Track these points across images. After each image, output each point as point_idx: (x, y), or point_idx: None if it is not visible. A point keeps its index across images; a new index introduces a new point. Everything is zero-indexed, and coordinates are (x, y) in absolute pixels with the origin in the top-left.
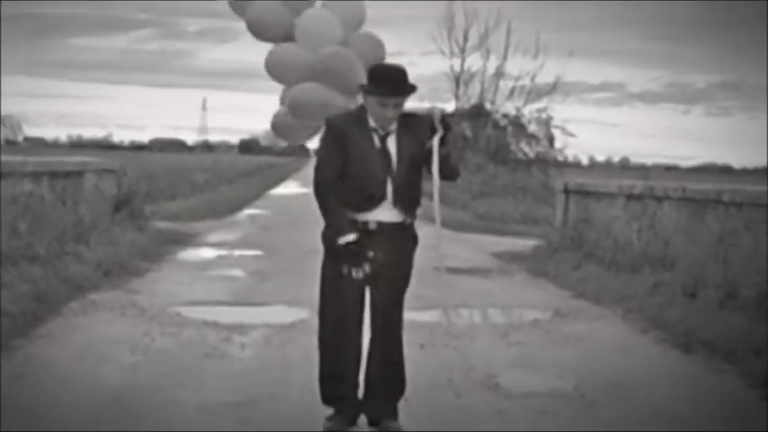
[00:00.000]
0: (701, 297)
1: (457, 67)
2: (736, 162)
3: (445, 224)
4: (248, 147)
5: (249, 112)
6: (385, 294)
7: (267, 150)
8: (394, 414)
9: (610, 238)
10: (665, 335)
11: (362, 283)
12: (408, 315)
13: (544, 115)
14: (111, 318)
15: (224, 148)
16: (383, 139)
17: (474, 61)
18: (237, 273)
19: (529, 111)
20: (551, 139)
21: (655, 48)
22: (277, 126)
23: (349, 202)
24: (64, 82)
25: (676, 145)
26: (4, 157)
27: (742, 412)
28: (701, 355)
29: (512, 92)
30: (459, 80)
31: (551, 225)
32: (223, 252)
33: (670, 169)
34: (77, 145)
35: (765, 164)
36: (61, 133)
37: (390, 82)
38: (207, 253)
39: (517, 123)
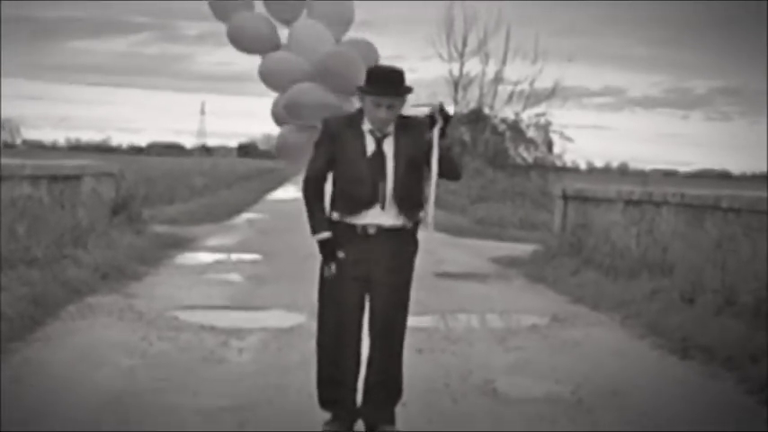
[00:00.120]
0: (699, 303)
1: (456, 72)
2: (736, 168)
3: (443, 229)
4: (247, 150)
5: (248, 116)
6: (384, 300)
7: (266, 154)
8: (391, 419)
9: (608, 244)
10: (663, 341)
11: (361, 288)
12: None
13: (543, 120)
14: (109, 321)
15: (222, 151)
16: (379, 142)
17: (473, 66)
18: (235, 277)
19: (527, 116)
20: (550, 145)
21: (654, 53)
22: (282, 148)
23: (342, 204)
24: (62, 85)
25: (675, 150)
26: (3, 160)
27: (739, 418)
28: (699, 361)
29: (510, 97)
30: (457, 85)
31: (550, 230)
32: (221, 256)
33: (669, 175)
34: (76, 148)
35: (764, 170)
36: (59, 136)
37: (385, 82)
38: (205, 257)
39: (516, 128)
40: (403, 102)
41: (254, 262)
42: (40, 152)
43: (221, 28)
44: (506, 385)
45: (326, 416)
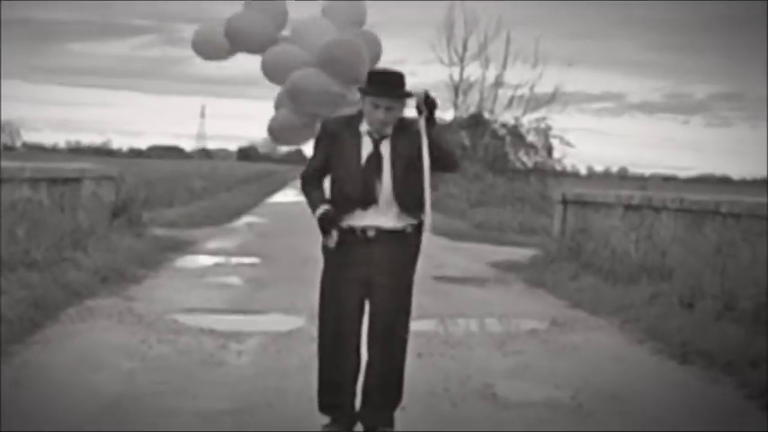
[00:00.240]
0: (698, 308)
1: (456, 76)
2: (735, 173)
3: (443, 233)
4: (247, 154)
5: (248, 120)
6: (384, 304)
7: (265, 158)
8: (390, 422)
9: (607, 249)
10: (662, 345)
11: (362, 292)
12: None
13: (543, 125)
14: (109, 324)
15: (222, 155)
16: (377, 143)
17: (473, 70)
18: (235, 280)
19: (527, 120)
20: (550, 149)
21: (655, 58)
22: (274, 129)
23: (337, 203)
24: (63, 88)
25: (675, 155)
26: (3, 163)
27: (739, 423)
28: (698, 366)
29: (510, 101)
30: (457, 89)
31: (549, 235)
32: (220, 259)
33: (668, 180)
34: (76, 151)
35: (764, 175)
36: (60, 139)
37: (384, 83)
38: (204, 260)
39: (516, 133)
40: (403, 105)
41: (253, 265)
42: (41, 155)
43: (197, 28)
44: (506, 390)
45: (325, 419)
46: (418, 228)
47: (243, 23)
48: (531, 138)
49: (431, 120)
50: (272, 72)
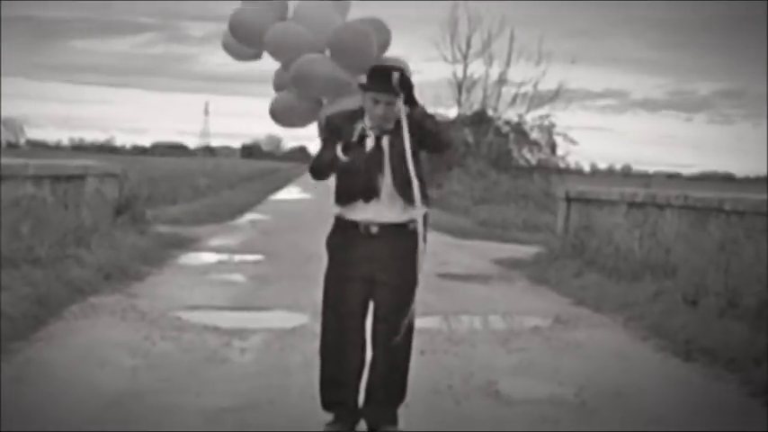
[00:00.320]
0: (702, 305)
1: (459, 74)
2: (739, 170)
3: (446, 230)
4: (250, 151)
5: (251, 117)
6: (388, 301)
7: (269, 155)
8: (393, 420)
9: (611, 246)
10: (666, 342)
11: (365, 289)
12: None
13: (546, 122)
14: (112, 321)
15: (226, 152)
16: (378, 138)
17: (477, 68)
18: (238, 277)
19: (531, 118)
20: (553, 147)
21: (658, 55)
22: (276, 111)
23: (341, 196)
24: (66, 85)
25: (678, 153)
26: (7, 160)
27: (742, 421)
28: (702, 363)
29: (514, 99)
30: (461, 87)
31: (553, 232)
32: (224, 257)
33: (672, 177)
34: (79, 148)
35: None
36: (63, 136)
37: (383, 78)
38: (208, 257)
39: (519, 130)
40: (401, 99)
41: (256, 262)
42: (44, 152)
43: (226, 29)
44: (509, 387)
45: (329, 417)
46: (424, 222)
47: (245, 15)
48: (534, 135)
49: (411, 101)
50: (276, 48)
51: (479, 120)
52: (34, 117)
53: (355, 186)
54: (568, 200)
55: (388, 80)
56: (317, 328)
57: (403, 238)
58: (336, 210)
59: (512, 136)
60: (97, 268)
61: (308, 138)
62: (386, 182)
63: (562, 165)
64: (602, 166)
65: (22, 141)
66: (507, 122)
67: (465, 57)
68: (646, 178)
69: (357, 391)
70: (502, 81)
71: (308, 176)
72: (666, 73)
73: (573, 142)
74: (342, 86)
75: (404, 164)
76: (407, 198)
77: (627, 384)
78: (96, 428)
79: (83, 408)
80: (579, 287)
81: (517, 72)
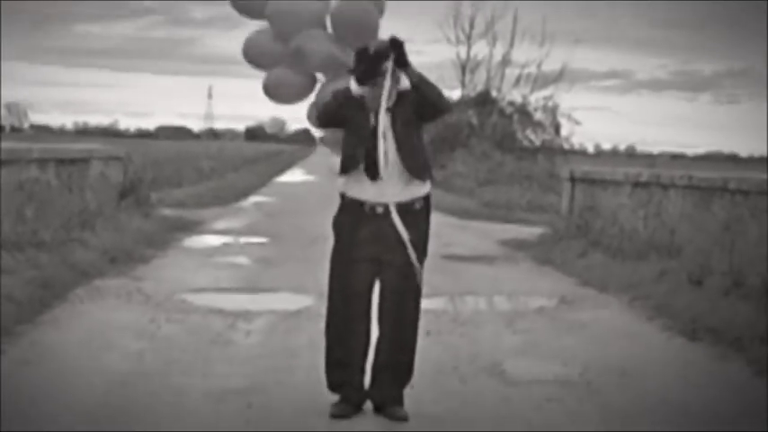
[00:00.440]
0: (707, 285)
1: (463, 55)
2: (743, 150)
3: (451, 212)
4: (254, 134)
5: (255, 100)
6: (394, 282)
7: (273, 138)
8: (399, 400)
9: (616, 226)
10: (671, 322)
11: (371, 270)
12: None
13: (550, 103)
14: (117, 304)
15: (230, 135)
16: (377, 115)
17: (480, 49)
18: (243, 260)
19: (535, 98)
20: (557, 127)
21: (662, 35)
22: (270, 86)
23: (347, 174)
24: (70, 69)
25: (683, 133)
26: (11, 144)
27: (747, 399)
28: (707, 343)
29: (518, 79)
30: (465, 68)
31: (557, 213)
32: (229, 239)
33: (676, 157)
34: (83, 132)
35: None
36: (67, 120)
37: (364, 65)
38: (212, 240)
39: (523, 111)
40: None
41: (261, 244)
42: (48, 136)
43: (230, 11)
44: (514, 367)
45: (334, 398)
46: (427, 205)
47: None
48: (538, 116)
49: (403, 61)
50: (277, 19)
51: (483, 101)
52: (38, 101)
53: (359, 165)
54: (573, 180)
55: (367, 66)
56: (323, 309)
57: (409, 217)
58: (342, 187)
59: (516, 117)
60: (102, 251)
61: None
62: (390, 157)
63: (566, 145)
64: (606, 146)
65: (26, 125)
66: (511, 103)
67: (468, 38)
68: (650, 159)
69: (363, 372)
70: (505, 62)
71: (312, 159)
72: (671, 53)
73: (577, 123)
74: (340, 64)
75: (408, 137)
76: (411, 169)
77: (632, 364)
78: (102, 411)
79: (88, 390)
80: (584, 267)
81: (521, 53)
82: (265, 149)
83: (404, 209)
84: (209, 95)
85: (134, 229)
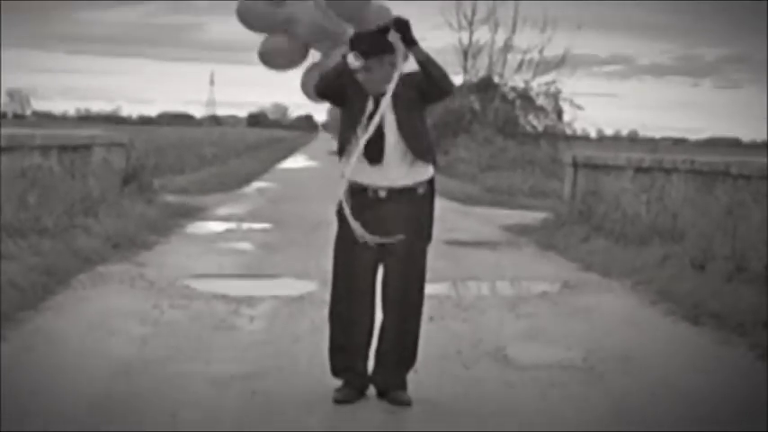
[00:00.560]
0: (709, 269)
1: (465, 40)
2: (745, 135)
3: (454, 197)
4: (256, 120)
5: (257, 86)
6: (397, 267)
7: (275, 124)
8: (403, 385)
9: (618, 211)
10: (674, 307)
11: (375, 255)
12: None
13: (552, 88)
14: (121, 290)
15: (232, 121)
16: (377, 100)
17: (482, 34)
18: (246, 246)
19: (537, 84)
20: (560, 113)
21: (664, 20)
22: (264, 52)
23: (350, 162)
24: (72, 56)
25: (685, 118)
26: (13, 131)
27: (750, 384)
28: (710, 328)
29: (520, 65)
30: (467, 53)
31: (560, 198)
32: (231, 225)
33: (678, 142)
34: (86, 119)
35: None
36: (69, 107)
37: (368, 41)
38: (215, 226)
39: (525, 96)
40: (391, 60)
41: (264, 230)
42: (50, 123)
43: None
44: (517, 352)
45: (338, 382)
46: (431, 189)
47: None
48: (540, 101)
49: (410, 39)
50: None
51: (485, 86)
52: (40, 88)
53: (354, 135)
54: (575, 165)
55: (363, 51)
56: (326, 295)
57: (412, 202)
58: (344, 172)
59: (518, 102)
60: (105, 238)
61: (314, 106)
62: (390, 140)
63: (568, 131)
64: (609, 132)
65: (29, 112)
66: (513, 89)
67: (470, 23)
68: (652, 144)
69: (366, 357)
70: (507, 47)
71: (314, 145)
72: (673, 38)
73: (579, 108)
74: (331, 36)
75: (411, 118)
76: (417, 152)
77: (635, 349)
78: (106, 397)
79: (92, 376)
80: (587, 252)
81: (523, 38)
82: (267, 136)
83: (408, 193)
84: (212, 82)
85: (137, 216)
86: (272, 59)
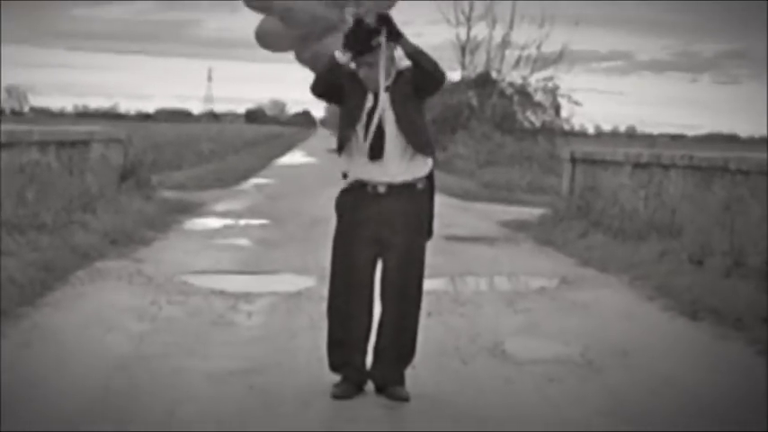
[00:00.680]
0: (707, 265)
1: (463, 36)
2: (743, 131)
3: (452, 193)
4: (254, 116)
5: (255, 82)
6: (396, 262)
7: (273, 120)
8: (401, 380)
9: (616, 207)
10: (672, 302)
11: (373, 250)
12: None
13: (550, 84)
14: (118, 286)
15: (230, 117)
16: (376, 95)
17: (480, 30)
18: (244, 241)
19: (535, 80)
20: (557, 108)
21: (663, 16)
22: (260, 33)
23: (346, 153)
24: (70, 52)
25: (683, 114)
26: (11, 127)
27: (749, 379)
28: (708, 323)
29: (518, 61)
30: (465, 49)
31: (558, 194)
32: (229, 221)
33: (677, 138)
34: (83, 115)
35: None
36: (67, 103)
37: (351, 46)
38: (213, 222)
39: (523, 92)
40: (389, 53)
41: (262, 226)
42: (48, 119)
43: None
44: (515, 347)
45: (336, 378)
46: (431, 185)
47: None
48: (538, 97)
49: (396, 33)
50: None
51: (483, 82)
52: (38, 84)
53: (357, 145)
54: (573, 161)
55: (354, 47)
56: (324, 291)
57: (411, 197)
58: (344, 167)
59: (516, 98)
60: (103, 234)
61: (312, 102)
62: (390, 136)
63: (566, 127)
64: (607, 127)
65: (26, 108)
66: (511, 85)
67: (468, 19)
68: (650, 139)
69: (365, 352)
70: (505, 43)
71: (312, 141)
72: (672, 34)
73: (577, 104)
74: (323, 22)
75: (408, 112)
76: (417, 146)
77: (633, 344)
78: (103, 392)
79: (90, 372)
80: (585, 248)
81: (520, 34)
82: (265, 132)
83: (407, 189)
84: (209, 78)
85: (135, 212)
86: (269, 42)
